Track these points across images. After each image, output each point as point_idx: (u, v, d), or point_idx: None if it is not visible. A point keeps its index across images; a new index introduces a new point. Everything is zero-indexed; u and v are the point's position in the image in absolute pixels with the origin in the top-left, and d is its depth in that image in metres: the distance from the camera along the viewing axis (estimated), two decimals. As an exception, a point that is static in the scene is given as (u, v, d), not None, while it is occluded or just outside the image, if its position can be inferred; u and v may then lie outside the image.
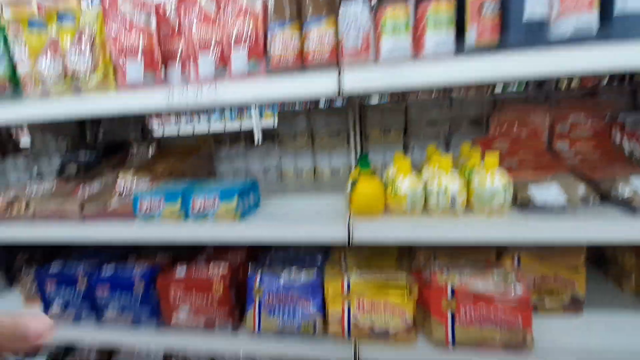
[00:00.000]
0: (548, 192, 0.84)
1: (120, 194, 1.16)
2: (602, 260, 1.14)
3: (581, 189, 0.84)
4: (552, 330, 0.92)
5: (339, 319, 0.95)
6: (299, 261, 1.08)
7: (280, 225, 0.92)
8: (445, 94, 1.26)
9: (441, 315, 0.88)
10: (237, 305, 1.05)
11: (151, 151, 1.47)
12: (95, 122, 1.70)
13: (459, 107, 1.26)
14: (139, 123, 1.76)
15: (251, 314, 1.01)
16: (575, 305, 0.97)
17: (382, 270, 0.97)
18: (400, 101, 1.31)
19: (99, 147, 1.51)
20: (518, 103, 1.18)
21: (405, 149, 1.29)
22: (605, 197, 0.83)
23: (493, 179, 0.81)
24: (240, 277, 1.08)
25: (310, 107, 1.36)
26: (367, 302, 0.92)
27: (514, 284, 0.86)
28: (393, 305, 0.91)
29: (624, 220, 0.74)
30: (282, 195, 1.19)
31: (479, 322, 0.86)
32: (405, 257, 1.06)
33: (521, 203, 0.84)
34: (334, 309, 0.95)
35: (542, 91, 1.19)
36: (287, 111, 1.43)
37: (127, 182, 1.21)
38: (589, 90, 1.16)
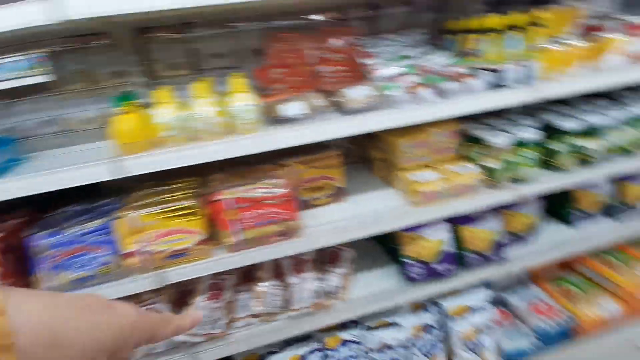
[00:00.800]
0: (294, 107, 1.01)
1: None
2: (365, 158, 1.48)
3: (319, 101, 1.05)
4: (320, 216, 1.20)
5: (137, 254, 1.00)
6: (91, 212, 1.06)
7: (39, 175, 0.85)
8: (228, 25, 1.29)
9: (227, 225, 1.02)
10: (20, 271, 0.98)
11: None
12: None
13: (242, 38, 1.32)
14: None
15: (39, 275, 0.96)
16: (338, 195, 1.27)
17: (176, 202, 1.04)
18: (185, 32, 1.28)
19: None
20: (289, 32, 1.31)
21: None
22: (336, 105, 1.06)
23: (242, 100, 0.92)
24: (20, 242, 0.99)
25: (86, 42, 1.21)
26: (161, 232, 0.99)
27: (281, 187, 1.05)
28: (186, 229, 1.00)
29: (337, 120, 0.98)
30: (61, 147, 1.09)
31: (258, 223, 1.04)
32: (202, 187, 1.15)
33: (273, 118, 1.00)
34: (129, 246, 0.99)
35: (308, 21, 1.35)
36: (59, 51, 1.23)
37: None
38: (342, 18, 1.37)
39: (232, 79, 0.95)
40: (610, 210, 1.51)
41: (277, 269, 1.25)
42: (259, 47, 1.32)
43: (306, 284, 1.24)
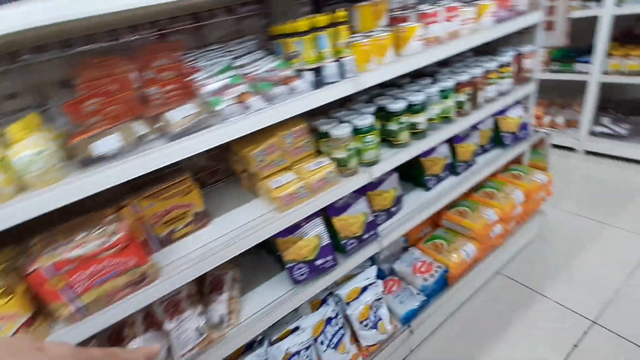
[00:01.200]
0: (107, 142, 0.90)
1: None
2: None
3: (140, 130, 0.95)
4: (184, 248, 1.11)
5: None
6: None
7: None
8: (17, 59, 1.08)
9: (57, 296, 0.86)
10: None
11: None
12: None
13: (42, 71, 1.12)
14: None
15: None
16: (201, 219, 1.20)
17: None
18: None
19: None
20: (103, 57, 1.16)
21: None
22: (161, 130, 0.98)
23: (29, 148, 0.77)
24: None
25: None
26: (-40, 331, 0.78)
27: (119, 232, 0.93)
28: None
29: (158, 149, 0.90)
30: None
31: (97, 281, 0.90)
32: (20, 256, 0.95)
33: (83, 160, 0.87)
34: None
35: (123, 41, 1.22)
36: None
37: None
38: (163, 34, 1.28)
39: (14, 125, 0.79)
40: (452, 169, 1.78)
41: (150, 319, 1.12)
42: (66, 78, 1.14)
43: (187, 323, 1.14)
